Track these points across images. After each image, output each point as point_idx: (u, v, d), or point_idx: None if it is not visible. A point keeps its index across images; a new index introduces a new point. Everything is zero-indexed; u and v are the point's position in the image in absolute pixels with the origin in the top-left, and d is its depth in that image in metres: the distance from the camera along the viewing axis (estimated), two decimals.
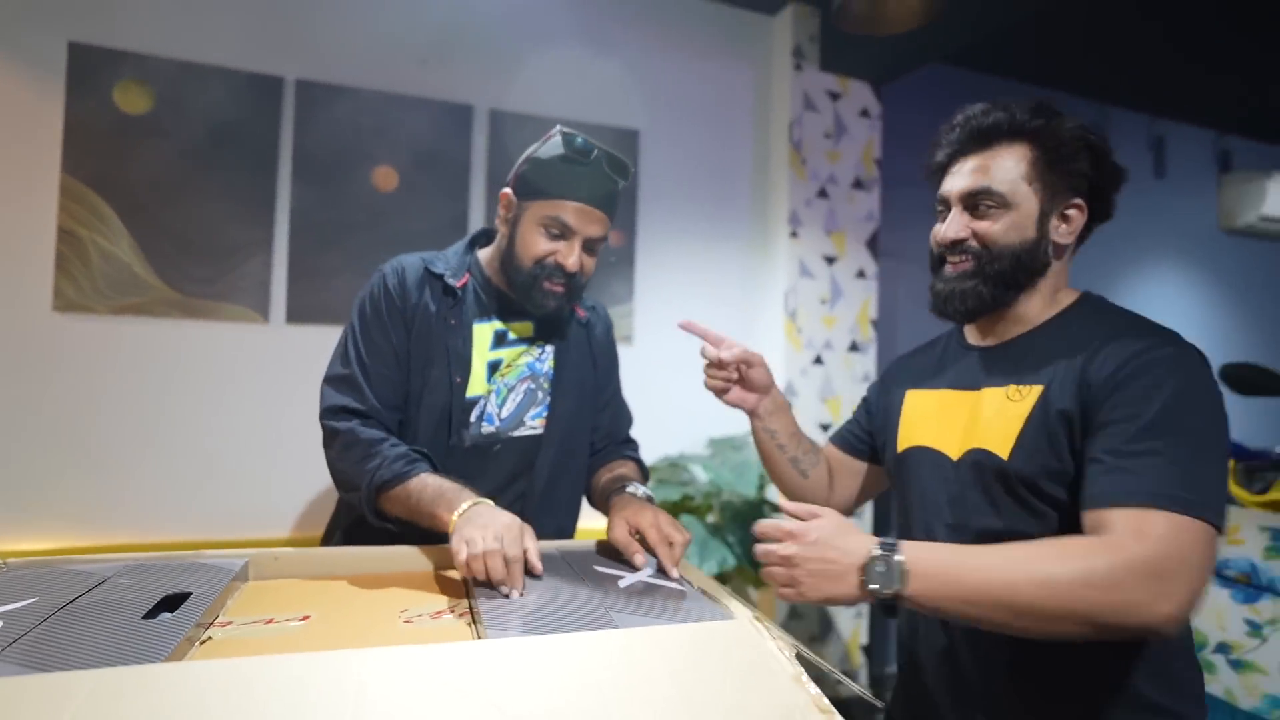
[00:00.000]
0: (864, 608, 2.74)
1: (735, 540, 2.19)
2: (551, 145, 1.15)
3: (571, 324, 1.30)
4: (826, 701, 0.65)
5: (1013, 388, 0.92)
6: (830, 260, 2.72)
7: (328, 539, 1.26)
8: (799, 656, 0.77)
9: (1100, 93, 3.49)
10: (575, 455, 1.29)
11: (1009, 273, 0.93)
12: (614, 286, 2.52)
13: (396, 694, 0.56)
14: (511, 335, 1.23)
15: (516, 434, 1.22)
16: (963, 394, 0.99)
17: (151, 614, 0.76)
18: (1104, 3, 2.71)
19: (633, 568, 1.02)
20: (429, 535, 1.05)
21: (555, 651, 0.64)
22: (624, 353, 2.50)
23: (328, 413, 1.14)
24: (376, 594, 0.92)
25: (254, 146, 2.11)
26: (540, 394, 1.25)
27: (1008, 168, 0.92)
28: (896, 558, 0.77)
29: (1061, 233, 0.94)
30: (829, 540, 0.80)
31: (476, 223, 2.34)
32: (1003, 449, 0.89)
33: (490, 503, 1.01)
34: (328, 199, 2.17)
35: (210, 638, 0.75)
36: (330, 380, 1.16)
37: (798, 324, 2.65)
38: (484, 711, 0.56)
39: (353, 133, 2.19)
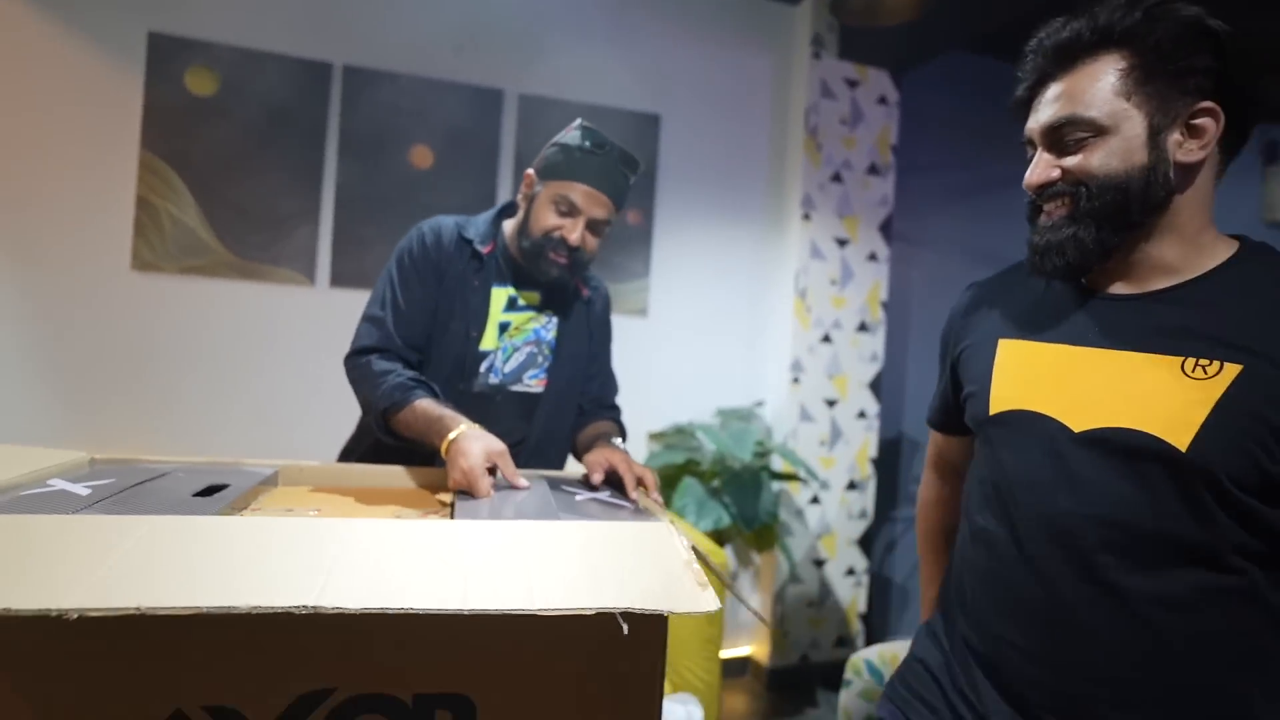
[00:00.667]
0: (863, 576, 2.87)
1: (730, 501, 2.35)
2: (572, 134, 1.30)
3: (575, 300, 1.47)
4: (705, 578, 0.82)
5: (1191, 360, 0.73)
6: (842, 243, 2.82)
7: (345, 457, 1.47)
8: (701, 559, 0.92)
9: None
10: (565, 414, 1.46)
11: (1117, 209, 0.77)
12: (631, 262, 2.69)
13: (368, 546, 0.75)
14: (522, 302, 1.40)
15: (515, 389, 1.40)
16: (1094, 353, 0.80)
17: (200, 495, 0.96)
18: None
19: (591, 488, 1.19)
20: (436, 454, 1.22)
21: (498, 532, 0.82)
22: (638, 325, 2.69)
23: (355, 348, 1.32)
24: (379, 499, 1.12)
25: (305, 126, 2.33)
26: (540, 358, 1.42)
27: (1099, 86, 0.76)
28: None
29: (1188, 149, 0.76)
30: None
31: (504, 200, 2.52)
32: (1177, 436, 0.73)
33: (476, 427, 1.17)
34: (369, 175, 2.39)
35: (240, 515, 0.96)
36: (365, 318, 1.34)
37: (807, 303, 2.77)
38: (429, 561, 0.74)
39: (393, 114, 2.40)
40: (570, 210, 1.29)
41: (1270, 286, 0.74)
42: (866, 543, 2.88)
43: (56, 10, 2.13)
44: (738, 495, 2.35)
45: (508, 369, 1.40)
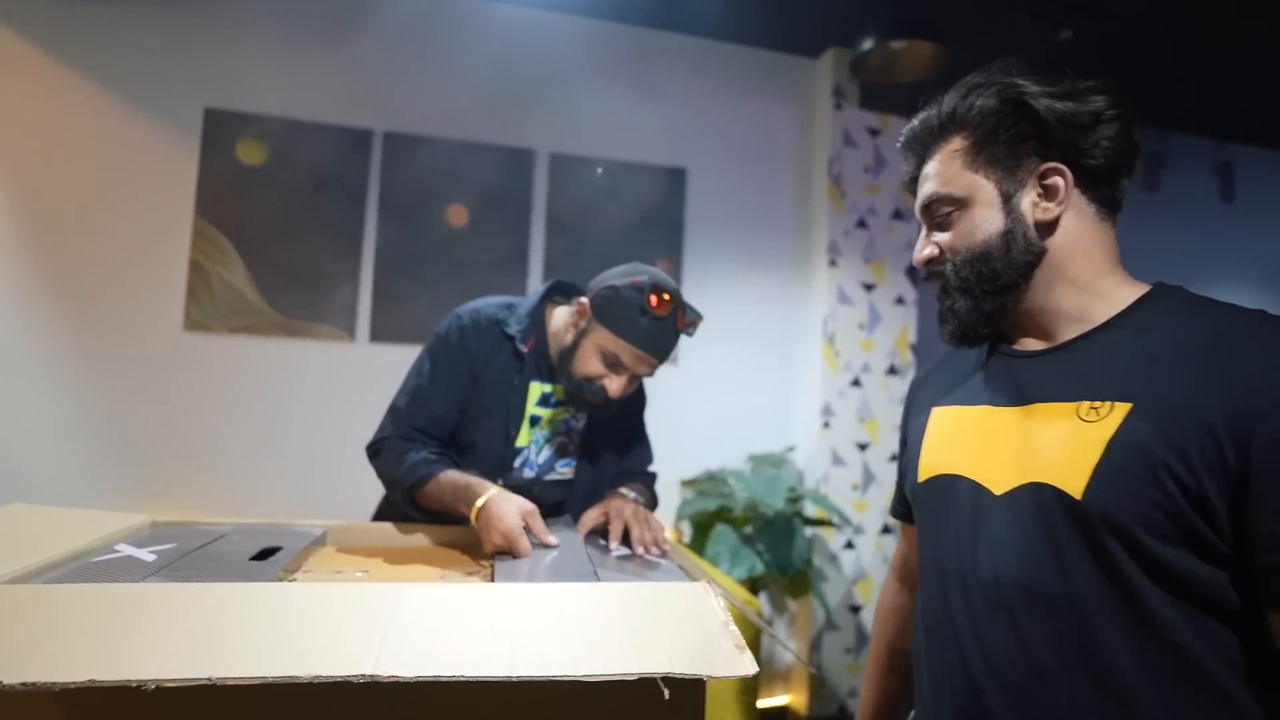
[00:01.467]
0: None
1: (764, 549, 2.34)
2: (634, 291, 1.22)
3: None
4: (742, 640, 0.83)
5: (1085, 404, 0.72)
6: (869, 287, 2.85)
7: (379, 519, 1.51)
8: (744, 618, 0.94)
9: (1158, 118, 3.48)
10: (600, 494, 1.43)
11: (982, 277, 0.79)
12: None
13: (417, 613, 0.78)
14: (555, 398, 1.39)
15: (549, 478, 1.40)
16: (1008, 411, 0.79)
17: (256, 559, 1.01)
18: (1155, 28, 2.75)
19: (627, 544, 1.22)
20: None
21: (540, 596, 0.85)
22: (670, 372, 2.73)
23: (375, 438, 1.32)
24: (424, 558, 1.16)
25: (347, 190, 2.45)
26: (571, 446, 1.42)
27: (953, 165, 0.81)
28: None
29: (1044, 208, 0.78)
30: None
31: (536, 255, 2.60)
32: (1073, 484, 0.69)
33: (502, 489, 1.17)
34: (407, 234, 2.48)
35: (294, 579, 1.00)
36: (390, 409, 1.33)
37: (835, 347, 2.79)
38: (477, 626, 0.77)
39: (430, 176, 2.51)
40: (616, 365, 1.26)
41: (1171, 324, 0.72)
42: None
43: (123, 90, 2.29)
44: (771, 542, 2.34)
45: (540, 460, 1.39)
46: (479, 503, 1.15)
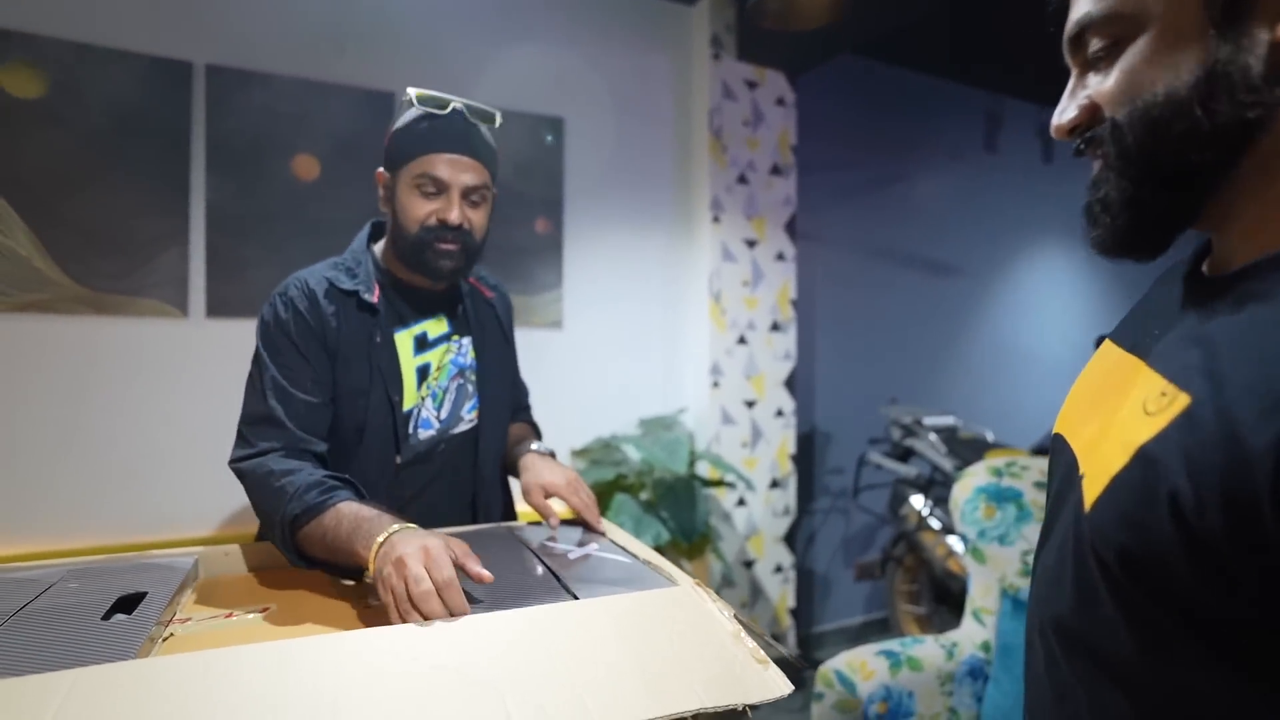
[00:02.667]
0: (790, 572, 2.91)
1: (668, 515, 2.29)
2: (408, 110, 1.16)
3: (481, 308, 1.32)
4: (763, 654, 0.73)
5: (1161, 383, 0.49)
6: (751, 244, 2.83)
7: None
8: (735, 617, 0.85)
9: (998, 84, 3.73)
10: (504, 434, 1.35)
11: (1151, 150, 0.50)
12: (543, 273, 2.56)
13: (370, 679, 0.61)
14: (430, 336, 1.22)
15: (455, 431, 1.24)
16: (1125, 359, 0.58)
17: (108, 615, 0.77)
18: None
19: (576, 540, 1.09)
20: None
21: (517, 624, 0.70)
22: (554, 337, 2.57)
23: (243, 453, 1.04)
24: (332, 582, 0.95)
25: (163, 134, 2.02)
26: (470, 387, 1.27)
27: None
28: None
29: None
30: None
31: None
32: (1092, 489, 0.51)
33: (410, 527, 0.88)
34: (246, 188, 2.11)
35: (172, 634, 0.77)
36: (246, 422, 1.07)
37: (722, 306, 2.76)
38: (453, 683, 0.62)
39: (270, 120, 2.14)
40: (438, 188, 1.13)
41: None
42: (790, 538, 2.92)
43: None
44: (673, 508, 2.29)
45: (444, 415, 1.23)
46: (377, 540, 0.85)
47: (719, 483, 2.55)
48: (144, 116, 2.00)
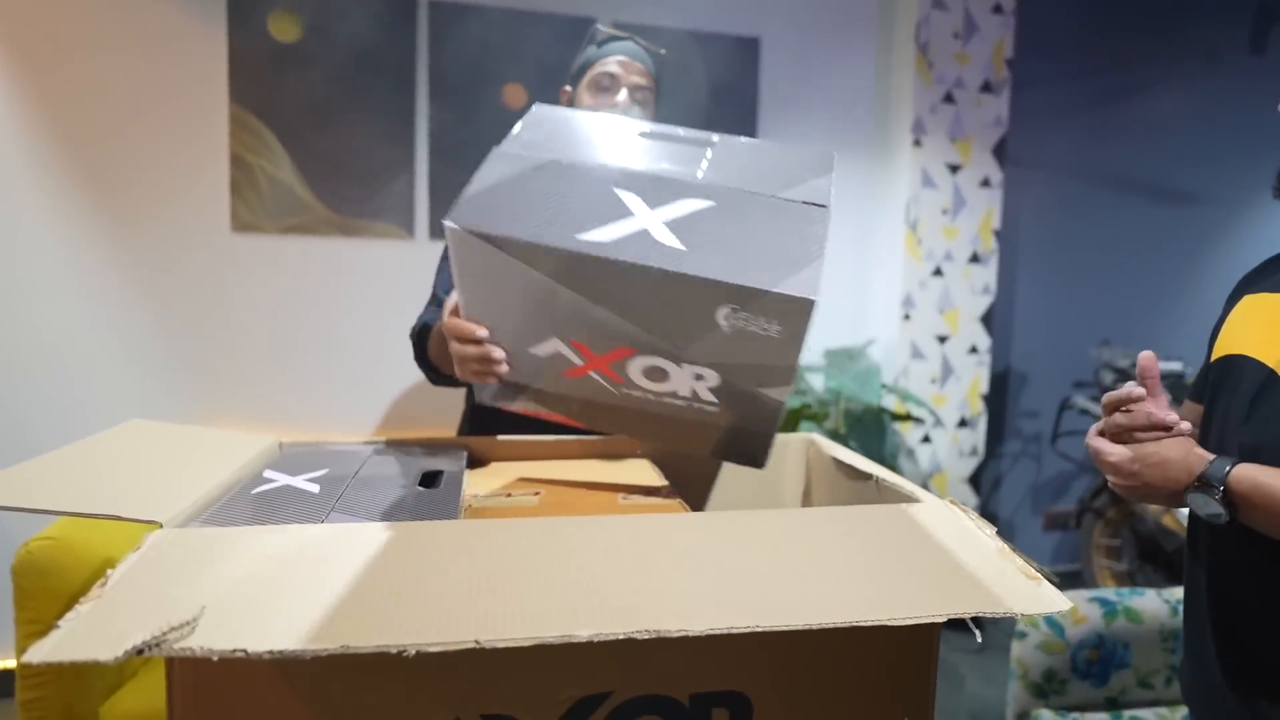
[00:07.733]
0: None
1: (856, 446, 2.27)
2: (585, 41, 1.32)
3: None
4: (1033, 570, 0.73)
5: None
6: (954, 169, 2.64)
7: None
8: (997, 534, 0.84)
9: None
10: None
11: None
12: None
13: (681, 556, 0.67)
14: None
15: None
16: None
17: (424, 484, 0.91)
18: None
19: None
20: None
21: (780, 522, 0.74)
22: None
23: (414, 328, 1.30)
24: (579, 474, 1.05)
25: (393, 68, 2.20)
26: None
27: None
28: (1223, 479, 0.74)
29: None
30: (1168, 461, 0.78)
31: None
32: None
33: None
34: (463, 118, 2.26)
35: (469, 505, 0.89)
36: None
37: (918, 235, 2.62)
38: (705, 568, 0.66)
39: (483, 51, 2.25)
40: (610, 84, 1.26)
41: None
42: (976, 480, 2.80)
43: None
44: (863, 439, 2.27)
45: None
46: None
47: (906, 416, 2.48)
48: (378, 52, 2.18)
